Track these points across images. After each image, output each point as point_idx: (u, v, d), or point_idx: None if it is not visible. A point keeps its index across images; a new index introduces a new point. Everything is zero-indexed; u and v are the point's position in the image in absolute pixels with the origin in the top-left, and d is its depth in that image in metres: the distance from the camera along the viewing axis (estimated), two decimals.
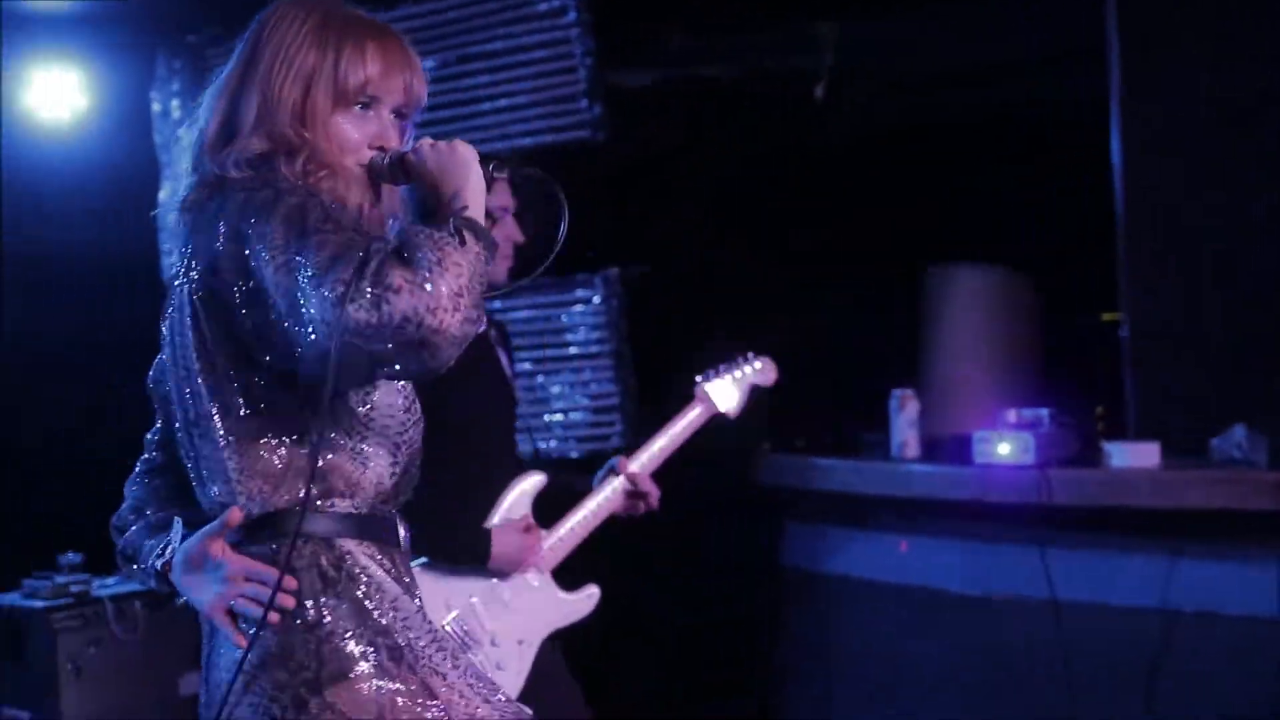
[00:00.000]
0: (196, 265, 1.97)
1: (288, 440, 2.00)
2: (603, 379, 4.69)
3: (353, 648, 1.95)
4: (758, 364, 3.65)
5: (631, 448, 3.62)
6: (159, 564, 2.07)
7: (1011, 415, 4.15)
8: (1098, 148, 4.30)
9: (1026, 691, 4.08)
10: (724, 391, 3.59)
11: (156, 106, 5.45)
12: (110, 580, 4.78)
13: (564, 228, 2.04)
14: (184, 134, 2.13)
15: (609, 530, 3.54)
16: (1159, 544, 3.85)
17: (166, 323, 2.06)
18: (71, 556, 4.73)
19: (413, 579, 2.10)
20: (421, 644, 2.00)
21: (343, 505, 2.01)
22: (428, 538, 3.25)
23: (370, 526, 2.03)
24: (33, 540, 4.80)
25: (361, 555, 2.00)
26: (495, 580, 3.36)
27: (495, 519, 3.40)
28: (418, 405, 2.12)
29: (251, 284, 1.89)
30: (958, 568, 4.23)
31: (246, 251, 1.89)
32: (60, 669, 4.47)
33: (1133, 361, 4.23)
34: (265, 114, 2.01)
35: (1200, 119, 4.13)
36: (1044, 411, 4.13)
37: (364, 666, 1.95)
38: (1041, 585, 3.97)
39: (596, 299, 4.71)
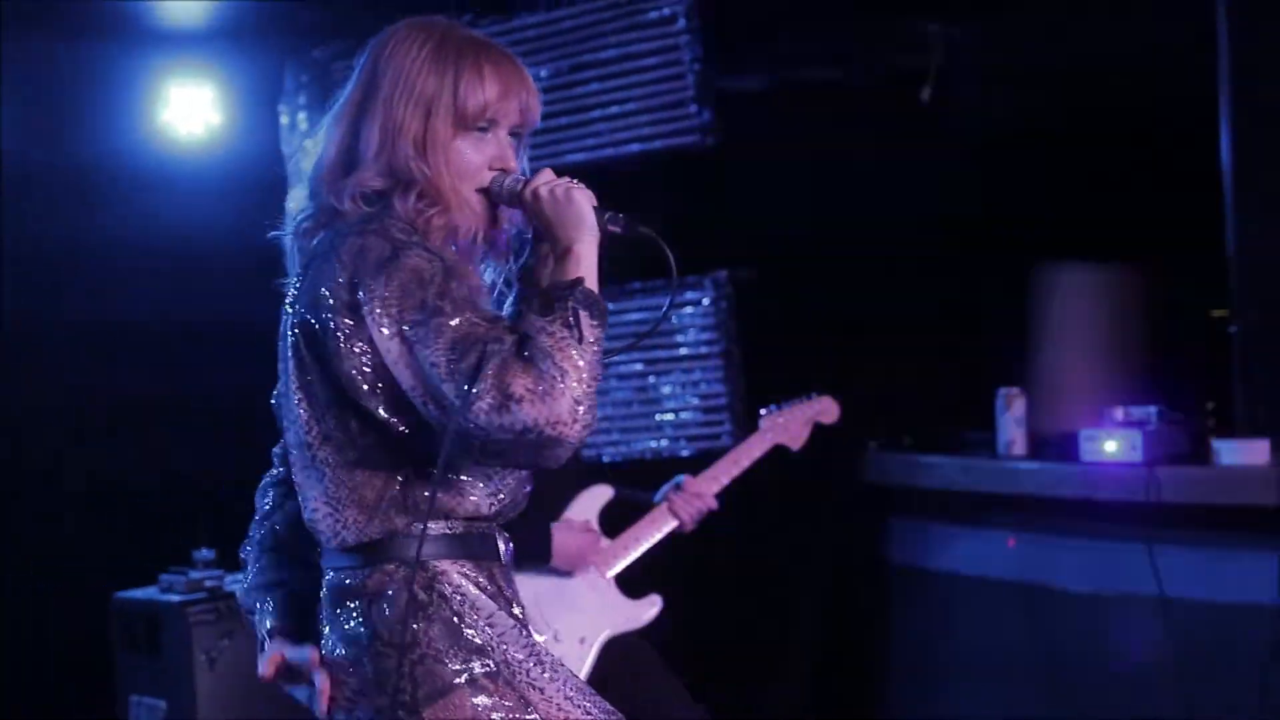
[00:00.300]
0: (305, 298, 1.98)
1: (382, 474, 1.99)
2: (712, 379, 4.73)
3: (447, 667, 1.96)
4: (821, 402, 3.77)
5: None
6: (261, 636, 2.19)
7: (1119, 413, 4.12)
8: (1208, 142, 4.25)
9: (1136, 688, 4.05)
10: (787, 425, 3.72)
11: (284, 119, 5.56)
12: (242, 575, 4.88)
13: (674, 286, 2.00)
14: (306, 153, 2.17)
15: (716, 525, 3.61)
16: (1269, 541, 3.79)
17: (279, 344, 2.09)
18: (205, 553, 4.79)
19: (514, 592, 2.10)
20: (519, 659, 2.01)
21: (436, 528, 2.00)
22: None
23: (465, 544, 2.03)
24: (168, 537, 4.88)
25: (455, 574, 2.01)
26: (559, 579, 3.49)
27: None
28: None
29: (360, 335, 1.92)
30: (1065, 565, 4.21)
31: (360, 305, 1.90)
32: (195, 660, 4.52)
33: (1241, 358, 4.16)
34: (385, 144, 2.02)
35: None
36: (1152, 409, 4.09)
37: (459, 684, 1.95)
38: (1150, 582, 3.93)
39: (706, 300, 4.76)
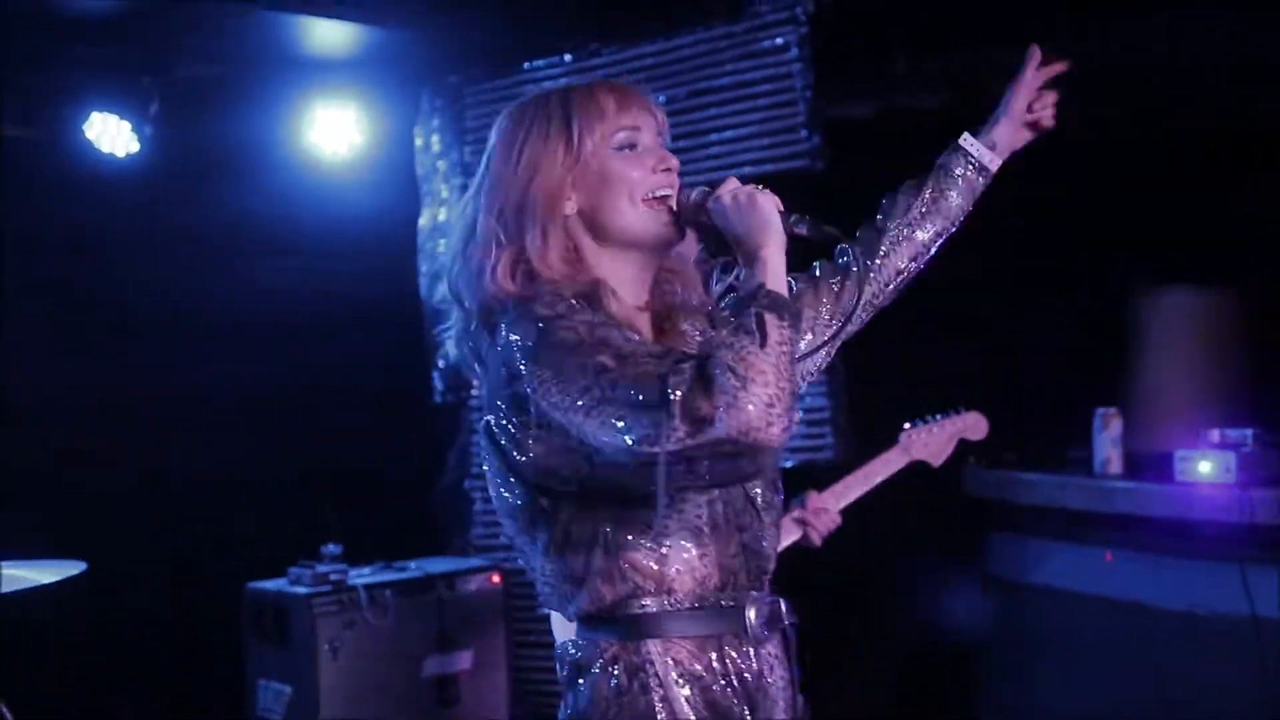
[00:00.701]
0: (484, 399, 2.01)
1: (585, 547, 1.96)
2: (816, 393, 4.79)
3: None
4: (968, 417, 3.63)
5: (842, 460, 3.71)
6: None
7: (1215, 435, 4.11)
8: None
9: (1227, 706, 4.02)
10: (930, 441, 3.58)
11: (419, 141, 5.76)
12: (366, 570, 5.03)
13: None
14: (452, 211, 2.17)
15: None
16: None
17: None
18: (332, 548, 4.94)
19: (757, 672, 2.02)
20: None
21: (652, 604, 1.96)
22: None
23: (689, 622, 1.97)
24: (300, 532, 5.05)
25: (665, 663, 1.95)
26: None
27: None
28: (725, 491, 2.02)
29: (532, 422, 1.91)
30: (1159, 583, 4.20)
31: (525, 397, 1.89)
32: (319, 649, 4.66)
33: None
34: (505, 217, 2.00)
35: None
36: (1248, 432, 4.08)
37: None
38: (1242, 602, 3.92)
39: None
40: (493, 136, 2.10)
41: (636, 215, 2.02)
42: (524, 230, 1.99)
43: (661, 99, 5.09)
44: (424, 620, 4.99)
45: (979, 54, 4.84)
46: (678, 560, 1.96)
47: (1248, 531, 3.88)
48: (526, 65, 5.48)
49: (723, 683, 1.98)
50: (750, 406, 1.74)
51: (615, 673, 1.96)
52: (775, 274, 1.91)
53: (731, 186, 1.98)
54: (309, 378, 5.36)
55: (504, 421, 1.95)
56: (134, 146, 5.19)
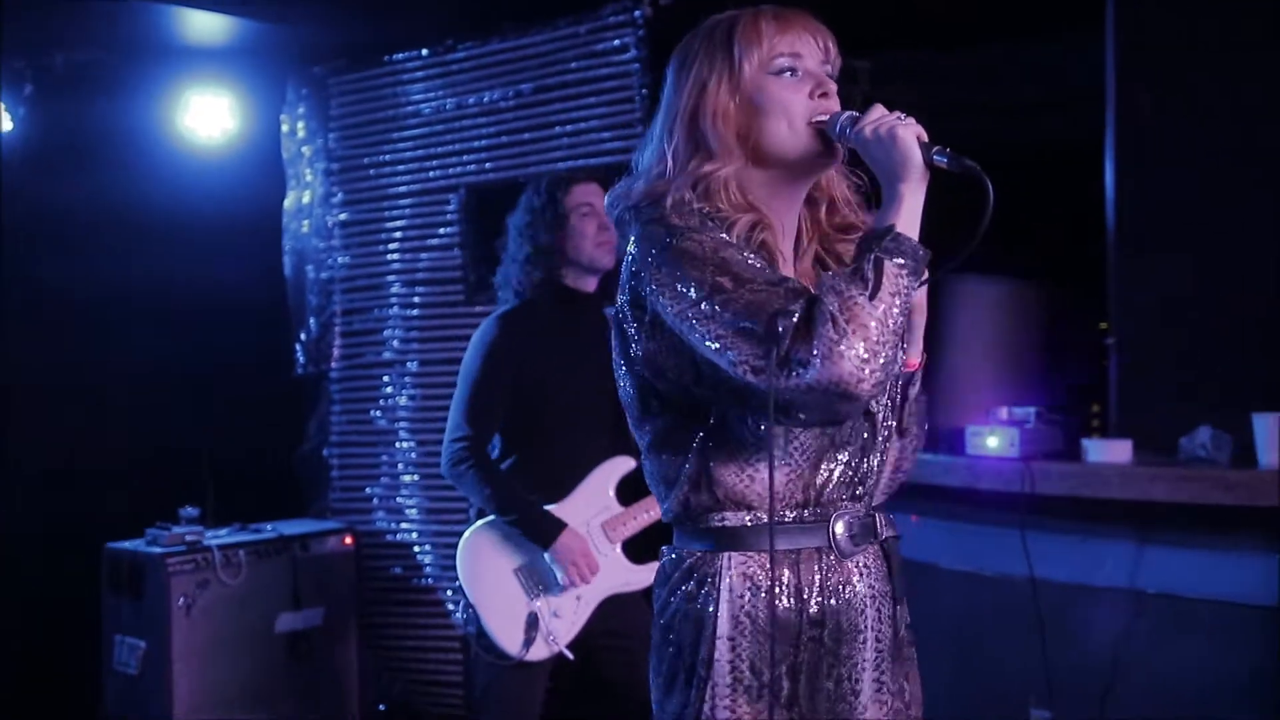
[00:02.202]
0: (618, 292, 2.01)
1: (679, 454, 1.96)
2: None
3: (679, 668, 1.97)
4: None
5: None
6: None
7: (1003, 412, 4.28)
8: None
9: (1001, 660, 4.22)
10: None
11: (285, 127, 5.83)
12: (222, 531, 5.08)
13: (986, 222, 1.85)
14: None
15: None
16: (1128, 531, 3.96)
17: None
18: (189, 510, 5.00)
19: (842, 589, 1.99)
20: (728, 686, 1.95)
21: (732, 518, 1.96)
22: (512, 511, 3.57)
23: (764, 537, 1.92)
24: (159, 496, 5.10)
25: (734, 576, 1.94)
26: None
27: (569, 499, 3.68)
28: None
29: (646, 323, 1.92)
30: (949, 546, 4.39)
31: (643, 298, 1.90)
32: (172, 606, 4.70)
33: (1116, 367, 4.35)
34: (688, 136, 1.99)
35: (1184, 156, 4.25)
36: (1031, 410, 4.25)
37: (678, 682, 1.97)
38: (1022, 565, 4.10)
39: None
40: (671, 64, 2.07)
41: (794, 138, 1.98)
42: (692, 154, 1.98)
43: (511, 93, 5.20)
44: (278, 579, 5.06)
45: None
46: (764, 481, 1.91)
47: (1029, 500, 4.02)
48: (387, 58, 5.57)
49: (790, 596, 1.95)
50: (845, 359, 1.71)
51: (689, 581, 1.96)
52: (910, 212, 1.85)
53: (875, 116, 1.90)
54: (177, 351, 5.40)
55: (625, 315, 1.96)
56: (6, 126, 5.18)
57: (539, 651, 3.60)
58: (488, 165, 5.36)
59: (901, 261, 1.79)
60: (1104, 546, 4.04)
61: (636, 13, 4.89)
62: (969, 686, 4.26)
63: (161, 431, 5.40)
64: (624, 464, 3.74)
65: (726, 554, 1.95)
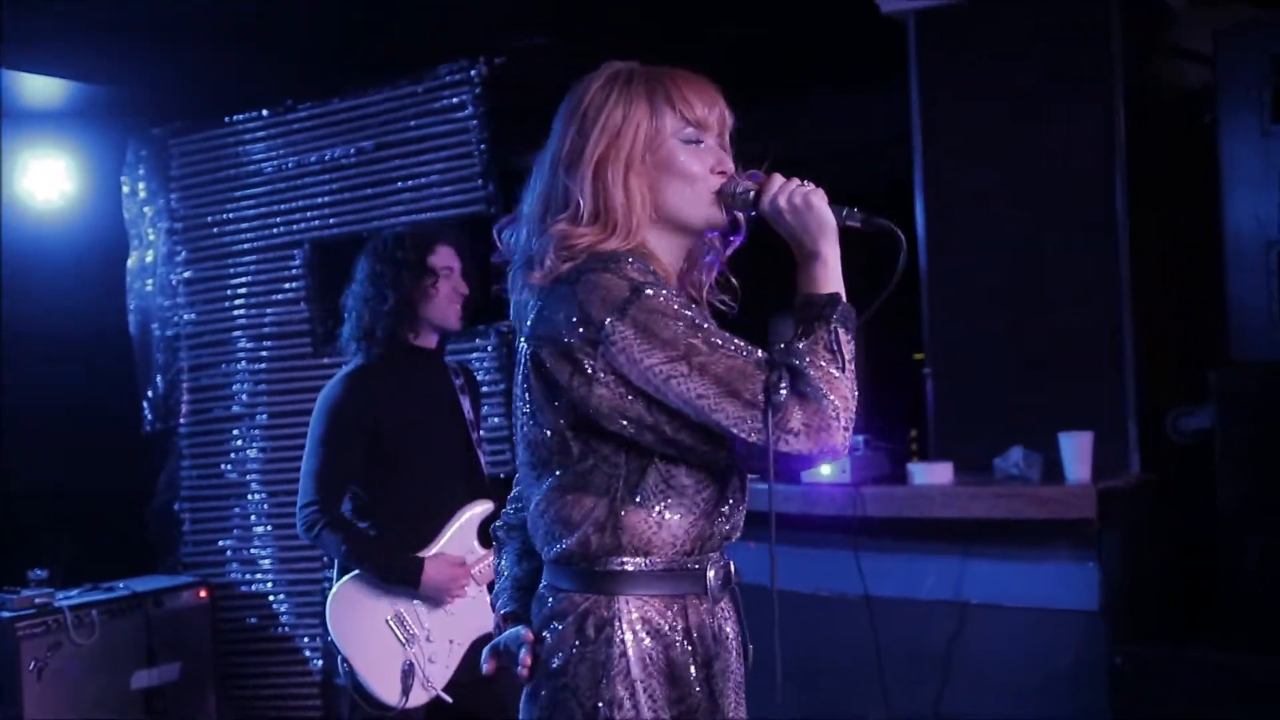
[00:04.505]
0: (542, 329, 1.88)
1: (584, 494, 1.91)
2: (497, 414, 4.88)
3: (575, 709, 1.89)
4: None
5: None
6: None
7: None
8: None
9: (841, 675, 4.25)
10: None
11: (126, 188, 5.66)
12: (73, 592, 4.87)
13: (898, 273, 1.86)
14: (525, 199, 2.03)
15: None
16: (952, 547, 4.05)
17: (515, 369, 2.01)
18: (38, 573, 4.80)
19: (716, 632, 1.99)
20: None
21: (630, 564, 1.91)
22: (370, 560, 3.50)
23: (660, 582, 1.91)
24: (4, 557, 4.87)
25: (632, 619, 1.90)
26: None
27: (435, 547, 3.59)
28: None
29: (602, 369, 1.82)
30: (788, 570, 4.40)
31: (600, 342, 1.82)
32: (22, 671, 4.49)
33: (933, 395, 4.45)
34: (580, 181, 1.91)
35: (986, 195, 4.38)
36: (860, 438, 4.32)
37: None
38: (856, 583, 4.17)
39: (490, 348, 4.94)
40: (566, 106, 1.99)
41: (697, 205, 1.95)
42: (602, 201, 1.91)
43: (352, 150, 5.12)
44: (132, 637, 4.87)
45: None
46: (668, 527, 1.91)
47: (861, 523, 4.09)
48: (227, 119, 5.44)
49: (682, 639, 1.94)
50: (834, 431, 1.76)
51: (584, 624, 1.91)
52: (835, 273, 1.87)
53: (783, 188, 1.90)
54: (22, 413, 5.17)
55: (572, 355, 1.84)
56: None
57: (418, 698, 3.51)
58: (331, 220, 5.27)
59: (848, 328, 1.83)
60: (930, 562, 4.12)
61: (473, 71, 4.87)
62: (810, 703, 4.28)
63: (4, 494, 5.14)
64: (483, 508, 3.69)
65: (624, 597, 1.91)
